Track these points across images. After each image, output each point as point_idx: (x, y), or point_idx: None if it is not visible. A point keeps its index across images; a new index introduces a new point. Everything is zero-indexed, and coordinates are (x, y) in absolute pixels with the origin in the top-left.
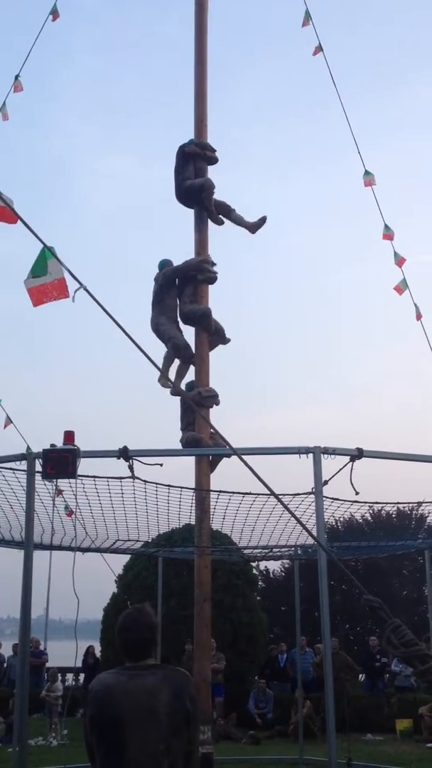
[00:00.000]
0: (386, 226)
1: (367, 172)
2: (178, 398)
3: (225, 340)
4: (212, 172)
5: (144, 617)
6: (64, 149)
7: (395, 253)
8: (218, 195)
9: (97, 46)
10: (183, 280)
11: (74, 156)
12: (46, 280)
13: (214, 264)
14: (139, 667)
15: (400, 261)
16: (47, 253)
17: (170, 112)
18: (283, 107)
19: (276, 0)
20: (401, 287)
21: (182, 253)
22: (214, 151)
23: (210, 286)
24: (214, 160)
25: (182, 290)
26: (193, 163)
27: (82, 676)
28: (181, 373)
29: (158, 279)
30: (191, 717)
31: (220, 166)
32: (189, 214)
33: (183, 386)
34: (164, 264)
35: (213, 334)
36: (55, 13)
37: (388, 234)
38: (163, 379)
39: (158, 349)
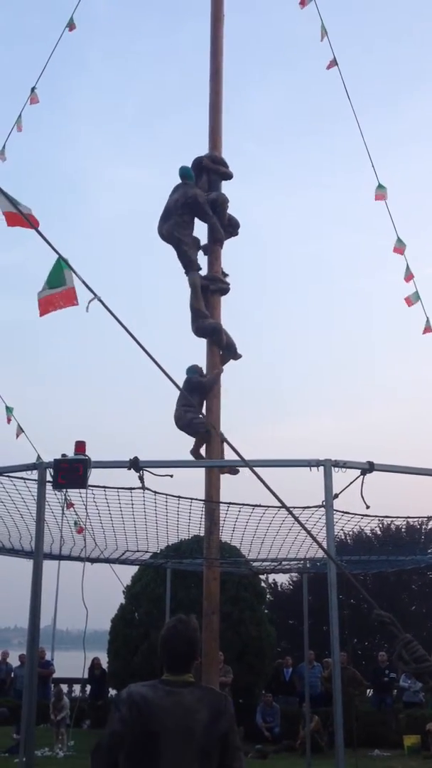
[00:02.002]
0: (399, 240)
1: (380, 186)
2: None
3: (236, 356)
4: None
5: (188, 631)
6: (76, 159)
7: (407, 267)
8: (231, 208)
9: (111, 57)
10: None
11: (87, 166)
12: (57, 290)
13: (226, 275)
14: (177, 683)
15: (408, 277)
16: (63, 264)
17: (183, 122)
18: (296, 120)
19: (289, 14)
20: (411, 299)
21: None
22: (227, 166)
23: (222, 298)
24: (228, 176)
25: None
26: (207, 176)
27: (89, 688)
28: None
29: (188, 193)
30: (229, 735)
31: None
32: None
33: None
34: (188, 172)
35: (224, 349)
36: (72, 25)
37: (399, 248)
38: (199, 303)
39: (168, 357)
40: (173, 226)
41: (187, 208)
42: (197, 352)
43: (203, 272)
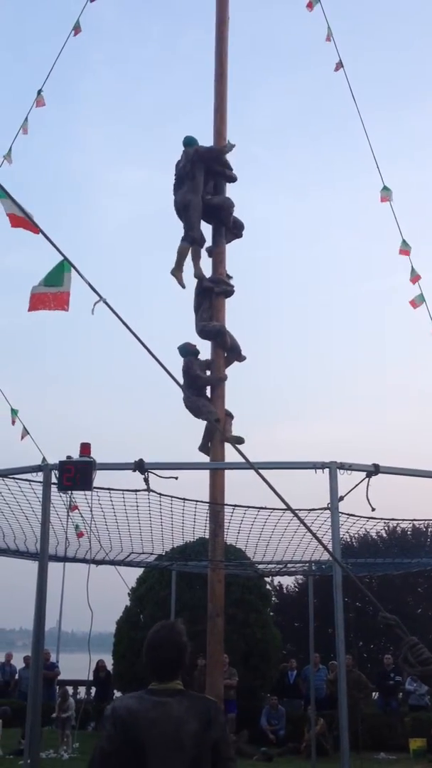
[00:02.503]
0: (404, 242)
1: (385, 188)
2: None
3: (241, 358)
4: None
5: (174, 636)
6: (81, 161)
7: (412, 269)
8: (236, 210)
9: (117, 60)
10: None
11: (92, 168)
12: (52, 289)
13: (230, 277)
14: (165, 692)
15: (414, 278)
16: (66, 266)
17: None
18: (301, 123)
19: (294, 17)
20: (416, 302)
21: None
22: (231, 169)
23: (227, 300)
24: (233, 179)
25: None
26: (213, 179)
27: (93, 690)
28: (196, 254)
29: (189, 153)
30: (220, 744)
31: (237, 181)
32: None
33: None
34: (192, 141)
35: (229, 351)
36: (77, 29)
37: (405, 250)
38: (178, 273)
39: (173, 360)
40: (186, 192)
41: (196, 165)
42: (202, 353)
43: (207, 274)
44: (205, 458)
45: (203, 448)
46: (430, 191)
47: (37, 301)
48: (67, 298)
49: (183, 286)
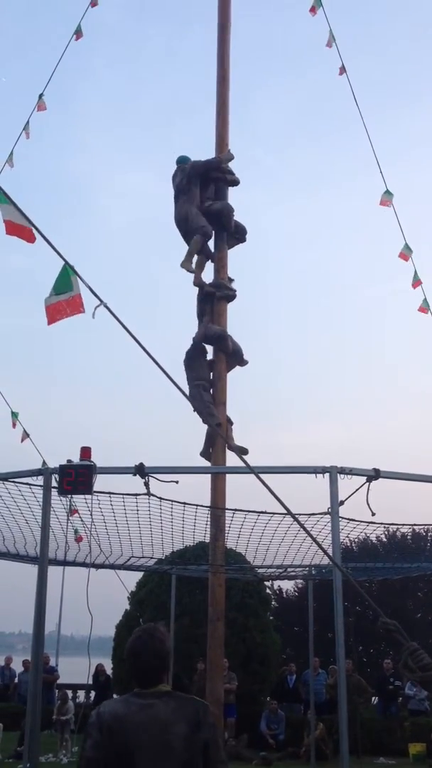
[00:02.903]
0: (406, 246)
1: (387, 192)
2: (190, 415)
3: (243, 362)
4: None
5: (154, 642)
6: (83, 165)
7: (415, 273)
8: (238, 214)
9: (117, 62)
10: (204, 180)
11: (93, 172)
12: (63, 297)
13: (232, 281)
14: (152, 694)
15: (415, 283)
16: (69, 270)
17: (189, 127)
18: (303, 126)
19: (297, 20)
20: (425, 307)
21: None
22: (233, 173)
23: (228, 304)
24: (235, 183)
25: (203, 190)
26: (213, 183)
27: (93, 694)
28: (201, 264)
29: (185, 170)
30: (210, 746)
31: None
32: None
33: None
34: (185, 159)
35: (231, 356)
36: (78, 33)
37: (404, 254)
38: (188, 264)
39: (174, 364)
40: (182, 204)
41: (193, 179)
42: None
43: (209, 280)
44: (205, 462)
45: (205, 454)
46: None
47: (54, 312)
48: (80, 300)
49: (193, 272)
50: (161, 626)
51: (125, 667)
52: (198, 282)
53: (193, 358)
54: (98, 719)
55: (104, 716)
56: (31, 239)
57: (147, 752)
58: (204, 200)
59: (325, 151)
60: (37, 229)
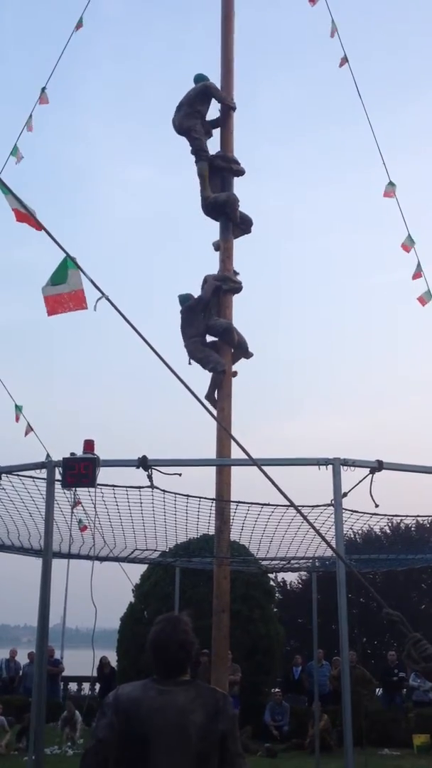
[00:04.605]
0: (409, 237)
1: (390, 183)
2: (194, 407)
3: (248, 354)
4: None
5: (178, 634)
6: (85, 157)
7: (418, 264)
8: (243, 205)
9: (120, 55)
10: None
11: (95, 164)
12: (64, 289)
13: (237, 273)
14: (172, 682)
15: (415, 275)
16: (69, 263)
17: None
18: (307, 116)
19: (299, 11)
20: (425, 298)
21: (205, 260)
22: (239, 163)
23: (234, 297)
24: (240, 172)
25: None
26: (219, 176)
27: (98, 686)
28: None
29: (182, 312)
30: (228, 738)
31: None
32: (209, 218)
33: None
34: (186, 298)
35: (236, 348)
36: (79, 24)
37: (406, 245)
38: (207, 192)
39: (177, 356)
40: (183, 117)
41: (200, 99)
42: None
43: (215, 272)
44: (209, 455)
45: (209, 397)
46: None
47: (56, 304)
48: (83, 296)
49: (212, 199)
50: (184, 615)
51: (131, 659)
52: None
53: (194, 311)
54: (115, 701)
55: (121, 698)
56: (39, 227)
57: (163, 738)
58: (205, 122)
59: (328, 141)
60: (38, 222)
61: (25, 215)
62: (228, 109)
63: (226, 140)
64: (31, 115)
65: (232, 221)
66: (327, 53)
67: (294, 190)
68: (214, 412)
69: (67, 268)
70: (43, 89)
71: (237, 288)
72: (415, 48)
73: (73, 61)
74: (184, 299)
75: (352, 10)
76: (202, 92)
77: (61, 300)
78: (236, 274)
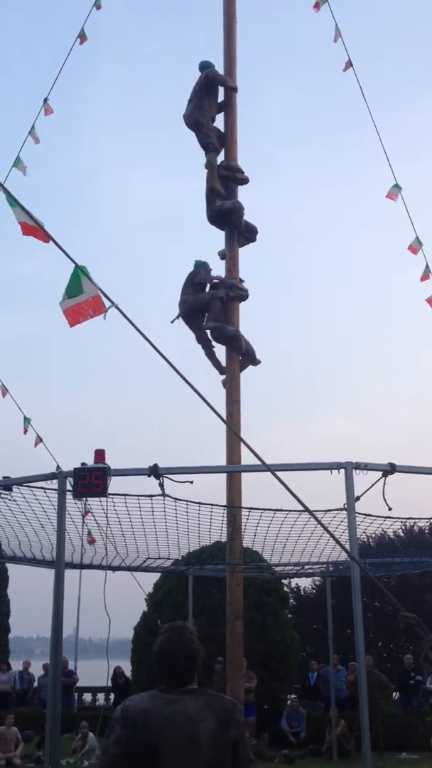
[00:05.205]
0: (417, 239)
1: (395, 185)
2: (204, 414)
3: (255, 362)
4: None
5: (184, 642)
6: (90, 164)
7: (426, 266)
8: (246, 209)
9: (123, 59)
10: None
11: (99, 170)
12: (81, 299)
13: (242, 281)
14: (180, 691)
15: (423, 277)
16: (79, 273)
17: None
18: (311, 118)
19: (302, 15)
20: None
21: (211, 264)
22: (242, 172)
23: (243, 304)
24: (244, 181)
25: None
26: (223, 185)
27: (112, 696)
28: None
29: (201, 77)
30: (239, 745)
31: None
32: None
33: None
34: (207, 65)
35: (244, 356)
36: (82, 37)
37: (414, 248)
38: (216, 183)
39: (189, 365)
40: (191, 110)
41: (204, 89)
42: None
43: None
44: (220, 461)
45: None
46: None
47: (76, 315)
48: (101, 301)
49: (223, 194)
50: (189, 624)
51: (145, 669)
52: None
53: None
54: (123, 714)
55: (129, 710)
56: (45, 239)
57: (173, 747)
58: (212, 111)
59: (334, 145)
60: (47, 233)
61: (33, 228)
62: (230, 91)
63: (230, 146)
64: (33, 126)
65: (237, 229)
66: (331, 56)
67: (297, 193)
68: (225, 418)
69: (79, 278)
70: (46, 100)
71: (243, 295)
72: (420, 49)
73: (74, 67)
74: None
75: (357, 10)
76: (203, 82)
77: (81, 309)
78: (241, 281)
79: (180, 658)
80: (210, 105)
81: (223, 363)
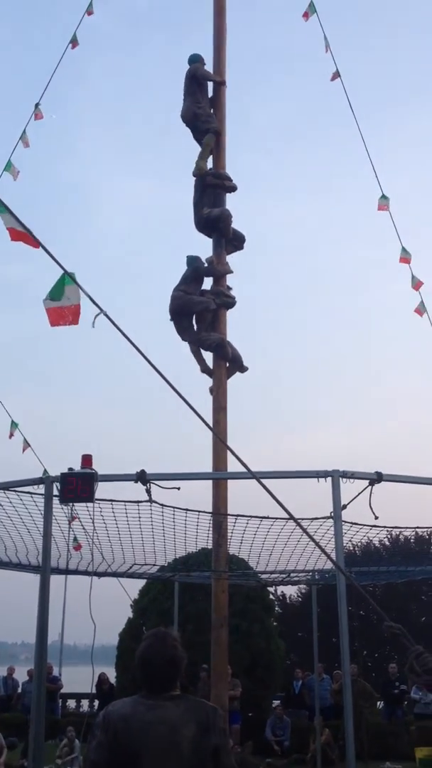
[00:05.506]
0: (404, 249)
1: (383, 197)
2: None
3: (243, 369)
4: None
5: (167, 649)
6: (81, 173)
7: (413, 277)
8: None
9: (114, 70)
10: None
11: (90, 179)
12: (63, 303)
13: (230, 288)
14: (162, 697)
15: (417, 284)
16: (66, 279)
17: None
18: (300, 129)
19: (291, 26)
20: (421, 310)
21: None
22: (230, 180)
23: (231, 312)
24: (232, 189)
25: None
26: (212, 192)
27: (97, 703)
28: (204, 156)
29: (188, 73)
30: (220, 752)
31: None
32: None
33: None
34: (195, 59)
35: (230, 362)
36: (74, 42)
37: (405, 258)
38: (203, 163)
39: (176, 371)
40: (189, 105)
41: (194, 83)
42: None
43: (207, 287)
44: (206, 468)
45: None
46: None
47: (58, 317)
48: (78, 312)
49: (204, 172)
50: (172, 630)
51: (130, 675)
52: (201, 172)
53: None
54: (104, 720)
55: (111, 716)
56: (35, 244)
57: (154, 753)
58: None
59: (322, 155)
60: (36, 239)
61: (21, 233)
62: (218, 85)
63: (219, 155)
64: (24, 131)
65: (225, 237)
66: (319, 67)
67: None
68: (211, 425)
69: (64, 284)
70: (37, 105)
71: (230, 303)
72: (409, 60)
73: (65, 75)
74: (192, 260)
75: (345, 19)
76: (191, 78)
77: (62, 313)
78: (229, 289)
79: (162, 665)
80: (203, 96)
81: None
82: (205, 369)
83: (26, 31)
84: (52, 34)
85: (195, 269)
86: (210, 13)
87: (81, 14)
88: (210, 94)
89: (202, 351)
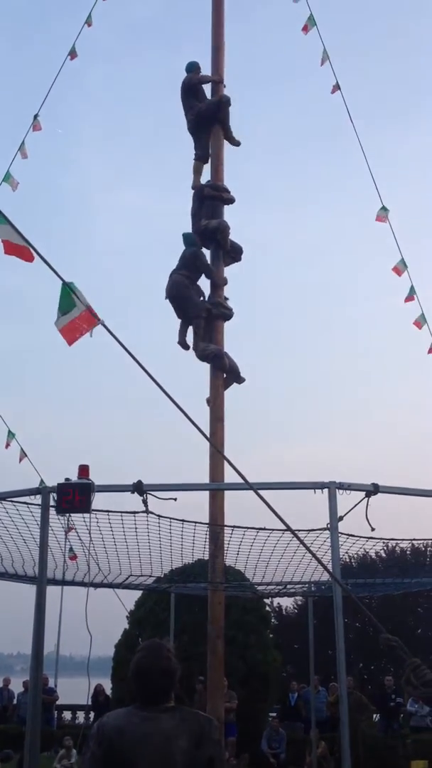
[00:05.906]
0: (402, 261)
1: (383, 208)
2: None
3: (240, 380)
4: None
5: (161, 660)
6: (79, 184)
7: (411, 288)
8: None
9: (113, 81)
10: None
11: (89, 190)
12: (74, 314)
13: (227, 299)
14: (157, 708)
15: (407, 298)
16: (67, 289)
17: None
18: (299, 141)
19: (290, 38)
20: (420, 322)
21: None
22: (228, 192)
23: (229, 324)
24: (230, 201)
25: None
26: (209, 204)
27: (92, 714)
28: (198, 169)
29: (183, 86)
30: (215, 763)
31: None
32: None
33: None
34: (192, 67)
35: (228, 373)
36: (73, 53)
37: (398, 269)
38: (197, 179)
39: (174, 382)
40: (190, 120)
41: (190, 94)
42: (201, 375)
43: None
44: (203, 479)
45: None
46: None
47: (72, 333)
48: (89, 316)
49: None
50: (166, 642)
51: (126, 687)
52: (196, 185)
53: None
54: (99, 731)
55: (105, 728)
56: (29, 258)
57: (148, 764)
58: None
59: (320, 167)
60: (35, 249)
61: (15, 247)
62: (216, 85)
63: (217, 168)
64: (23, 142)
65: (222, 249)
66: (318, 79)
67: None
68: (208, 435)
69: (69, 293)
70: (36, 116)
71: (228, 314)
72: (407, 73)
73: (64, 86)
74: (190, 241)
75: (344, 32)
76: (187, 89)
77: (75, 326)
78: (226, 299)
79: (156, 676)
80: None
81: (207, 382)
82: (181, 341)
83: (25, 42)
84: (51, 45)
85: (195, 256)
86: (209, 25)
87: (80, 26)
88: (209, 95)
89: (191, 329)
